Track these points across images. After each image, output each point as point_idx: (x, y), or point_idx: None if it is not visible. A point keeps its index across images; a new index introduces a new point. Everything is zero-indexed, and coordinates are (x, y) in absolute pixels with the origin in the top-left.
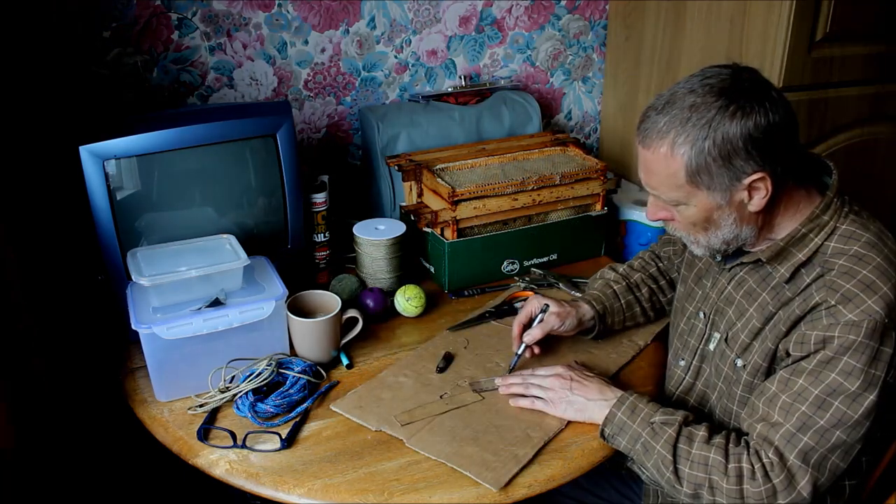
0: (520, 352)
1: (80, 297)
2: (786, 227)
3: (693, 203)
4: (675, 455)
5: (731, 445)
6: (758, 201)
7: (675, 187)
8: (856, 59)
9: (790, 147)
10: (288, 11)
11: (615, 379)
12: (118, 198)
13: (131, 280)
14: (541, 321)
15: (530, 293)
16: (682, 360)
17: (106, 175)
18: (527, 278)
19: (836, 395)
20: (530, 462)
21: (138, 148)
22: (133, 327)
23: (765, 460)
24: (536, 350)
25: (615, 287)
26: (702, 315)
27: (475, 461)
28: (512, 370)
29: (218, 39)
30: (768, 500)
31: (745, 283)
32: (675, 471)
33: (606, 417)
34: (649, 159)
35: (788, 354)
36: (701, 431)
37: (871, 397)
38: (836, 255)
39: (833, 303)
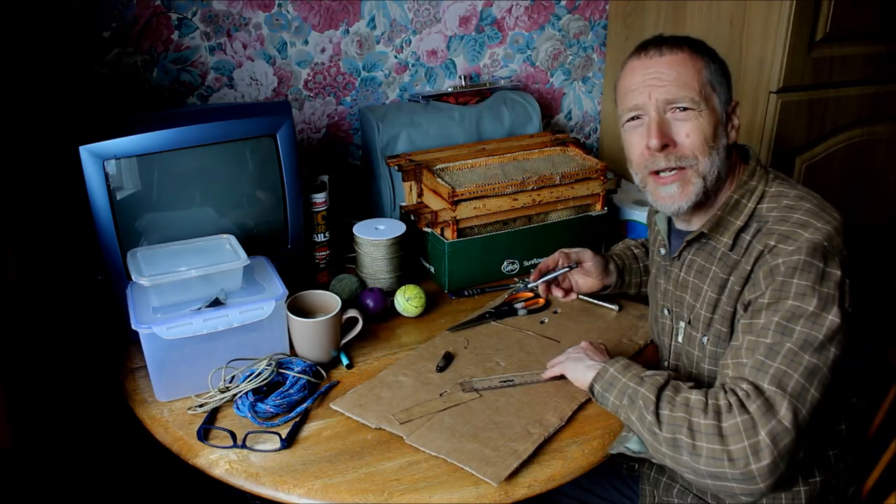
0: (530, 286)
1: (80, 297)
2: (722, 195)
3: (705, 109)
4: (658, 397)
5: (710, 390)
6: (734, 133)
7: (695, 86)
8: (856, 59)
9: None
10: (288, 11)
11: None
12: (118, 198)
13: (131, 280)
14: (564, 271)
15: (530, 293)
16: (665, 360)
17: (106, 175)
18: (526, 279)
19: (796, 320)
20: (530, 461)
21: (138, 148)
22: (133, 327)
23: (740, 393)
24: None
25: (635, 251)
26: (666, 311)
27: (475, 456)
28: (525, 288)
29: (218, 39)
30: (747, 433)
31: (694, 264)
32: (657, 414)
33: (598, 373)
34: (667, 62)
35: (746, 306)
36: (688, 384)
37: (831, 317)
38: (769, 212)
39: (773, 244)
